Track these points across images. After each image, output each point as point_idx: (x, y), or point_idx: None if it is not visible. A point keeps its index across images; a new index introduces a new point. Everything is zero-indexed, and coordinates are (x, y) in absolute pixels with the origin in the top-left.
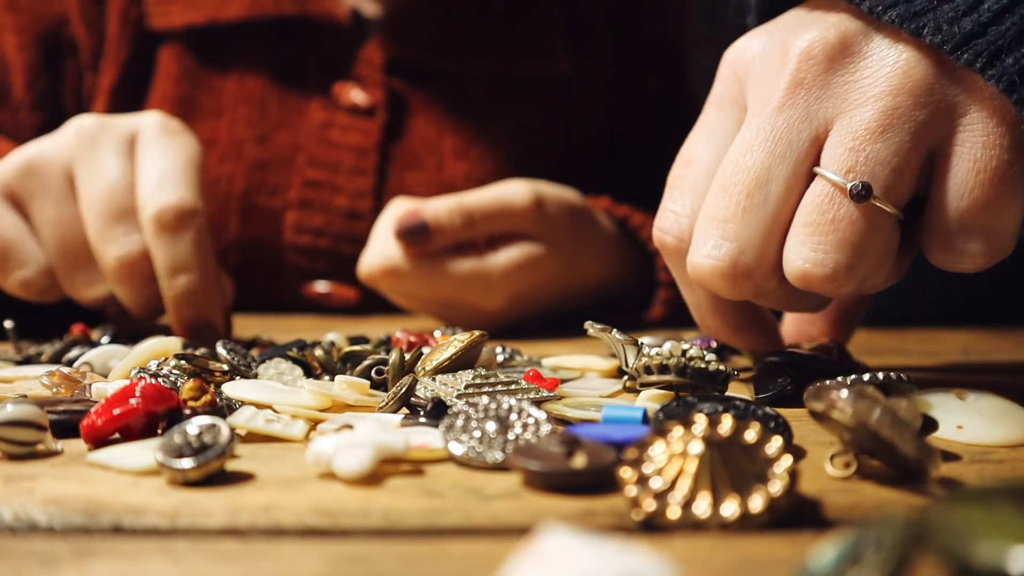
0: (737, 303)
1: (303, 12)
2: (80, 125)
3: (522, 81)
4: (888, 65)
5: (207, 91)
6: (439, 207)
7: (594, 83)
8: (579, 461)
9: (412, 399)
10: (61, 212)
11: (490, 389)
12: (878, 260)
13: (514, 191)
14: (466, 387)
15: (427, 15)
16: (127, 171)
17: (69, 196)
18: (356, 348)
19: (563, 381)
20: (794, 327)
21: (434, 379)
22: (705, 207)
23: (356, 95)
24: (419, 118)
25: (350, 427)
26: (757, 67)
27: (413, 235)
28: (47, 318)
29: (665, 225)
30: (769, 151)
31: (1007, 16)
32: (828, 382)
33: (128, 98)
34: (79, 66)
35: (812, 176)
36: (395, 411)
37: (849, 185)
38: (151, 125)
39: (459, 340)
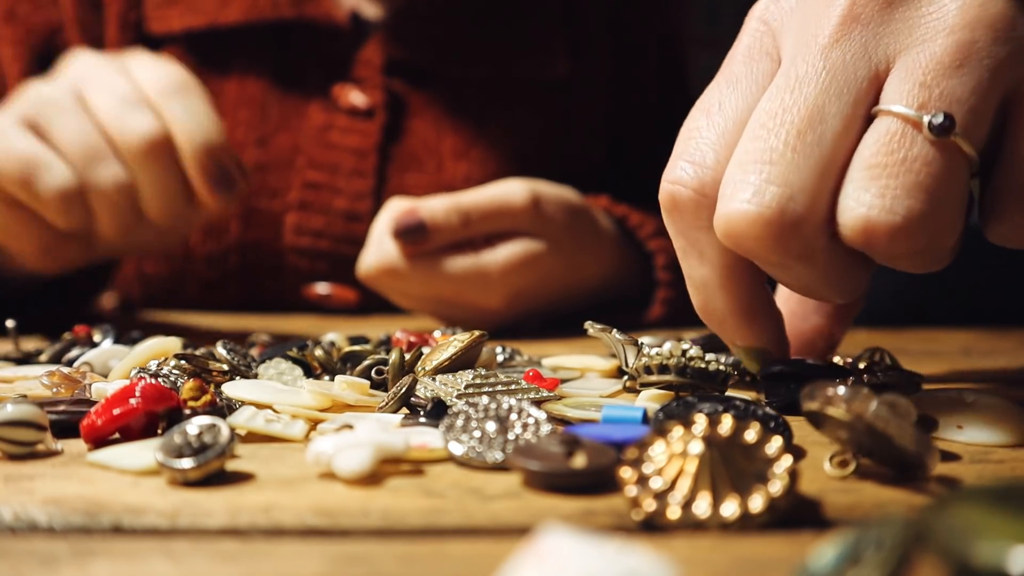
0: (753, 280)
1: (301, 15)
2: (79, 58)
3: (521, 82)
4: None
5: (207, 94)
6: (436, 206)
7: (594, 84)
8: (579, 461)
9: (412, 399)
10: (77, 122)
11: (490, 389)
12: (953, 214)
13: (511, 190)
14: (466, 387)
15: (427, 17)
16: (128, 78)
17: (81, 111)
18: (356, 348)
19: (563, 381)
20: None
21: (434, 379)
22: (739, 152)
23: (355, 97)
24: (418, 119)
25: (350, 427)
26: (798, 13)
27: (410, 234)
28: (49, 318)
29: (680, 176)
30: (823, 88)
31: None
32: (823, 382)
33: None
34: None
35: (870, 120)
36: (395, 411)
37: (927, 118)
38: (139, 53)
39: (459, 340)
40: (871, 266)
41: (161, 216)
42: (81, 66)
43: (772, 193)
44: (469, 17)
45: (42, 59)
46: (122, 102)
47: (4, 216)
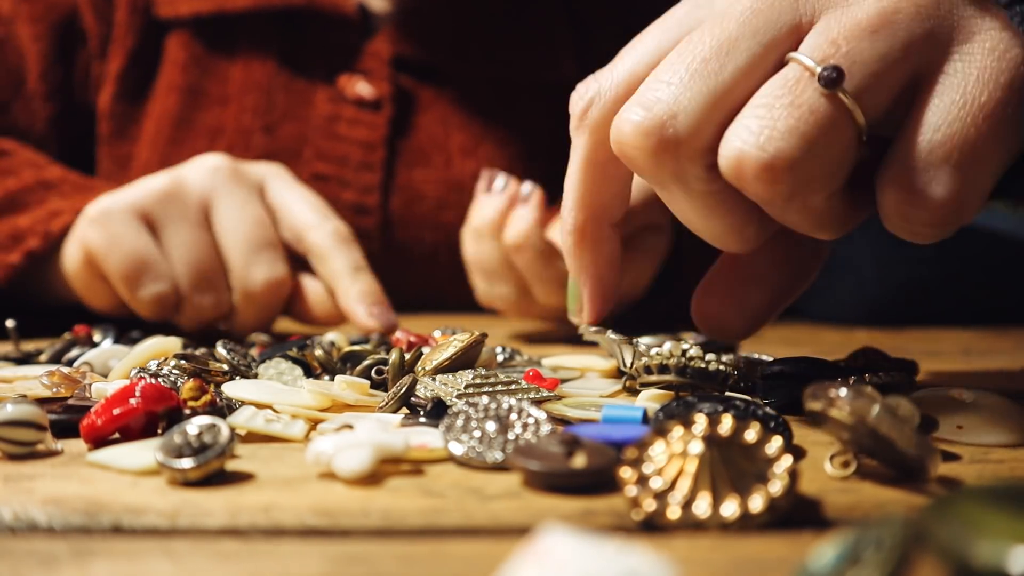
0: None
1: (310, 2)
2: (214, 163)
3: (528, 83)
4: None
5: (213, 78)
6: None
7: None
8: (579, 461)
9: (412, 399)
10: (195, 237)
11: (490, 389)
12: (825, 169)
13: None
14: (466, 387)
15: (433, 14)
16: (264, 210)
17: (203, 224)
18: (356, 348)
19: (563, 381)
20: (695, 302)
21: (434, 379)
22: (654, 71)
23: (362, 88)
24: (426, 114)
25: (350, 427)
26: None
27: None
28: (50, 318)
29: (589, 88)
30: (742, 23)
31: None
32: (825, 382)
33: (135, 85)
34: (88, 55)
35: (782, 65)
36: (395, 411)
37: (820, 68)
38: (277, 172)
39: (459, 340)
40: (755, 219)
41: (245, 328)
42: (214, 176)
43: (659, 108)
44: (476, 16)
45: (63, 41)
46: (253, 241)
47: (90, 283)
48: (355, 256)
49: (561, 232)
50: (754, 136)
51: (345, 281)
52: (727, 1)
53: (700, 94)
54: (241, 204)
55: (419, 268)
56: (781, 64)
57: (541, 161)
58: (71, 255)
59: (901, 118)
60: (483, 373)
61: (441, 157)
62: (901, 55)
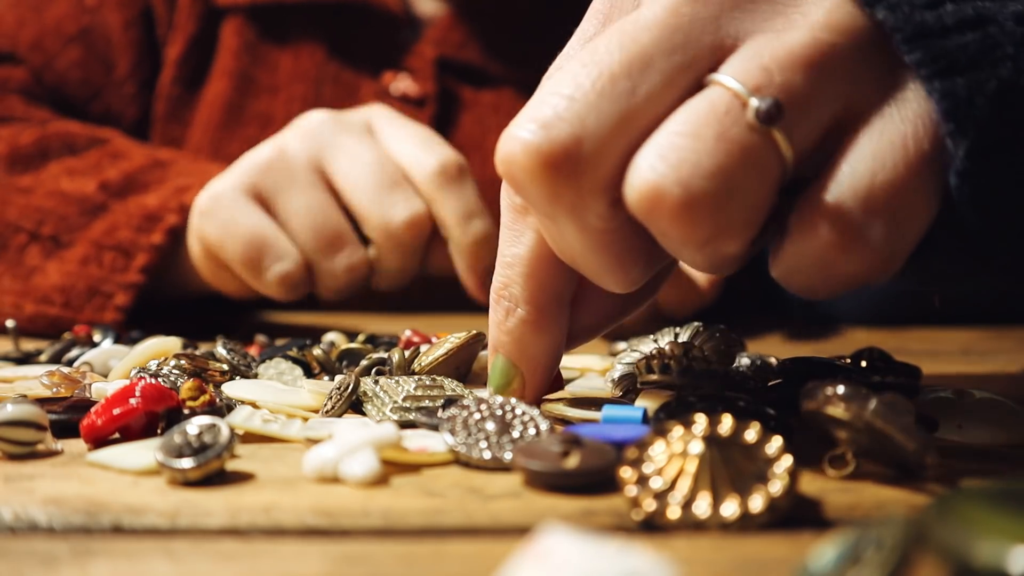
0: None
1: None
2: (314, 119)
3: None
4: (833, 5)
5: (264, 66)
6: None
7: None
8: (574, 461)
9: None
10: (312, 199)
11: (429, 403)
12: (746, 216)
13: None
14: (404, 398)
15: (480, 17)
16: (379, 148)
17: (318, 184)
18: (353, 346)
19: (564, 381)
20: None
21: (376, 383)
22: (550, 81)
23: (407, 85)
24: (467, 114)
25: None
26: None
27: None
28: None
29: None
30: (659, 39)
31: (969, 31)
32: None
33: (192, 71)
34: (158, 40)
35: (698, 89)
36: (340, 414)
37: (756, 101)
38: (380, 112)
39: (455, 337)
40: (644, 257)
41: (389, 286)
42: (318, 132)
43: (560, 129)
44: (519, 19)
45: (146, 27)
46: (379, 183)
47: (216, 273)
48: (464, 199)
49: (496, 309)
50: (674, 170)
51: (456, 233)
52: (646, 1)
53: (608, 116)
54: (356, 150)
55: (441, 269)
56: (698, 86)
57: None
58: (193, 247)
59: (819, 161)
60: (426, 382)
61: (478, 156)
62: (834, 94)
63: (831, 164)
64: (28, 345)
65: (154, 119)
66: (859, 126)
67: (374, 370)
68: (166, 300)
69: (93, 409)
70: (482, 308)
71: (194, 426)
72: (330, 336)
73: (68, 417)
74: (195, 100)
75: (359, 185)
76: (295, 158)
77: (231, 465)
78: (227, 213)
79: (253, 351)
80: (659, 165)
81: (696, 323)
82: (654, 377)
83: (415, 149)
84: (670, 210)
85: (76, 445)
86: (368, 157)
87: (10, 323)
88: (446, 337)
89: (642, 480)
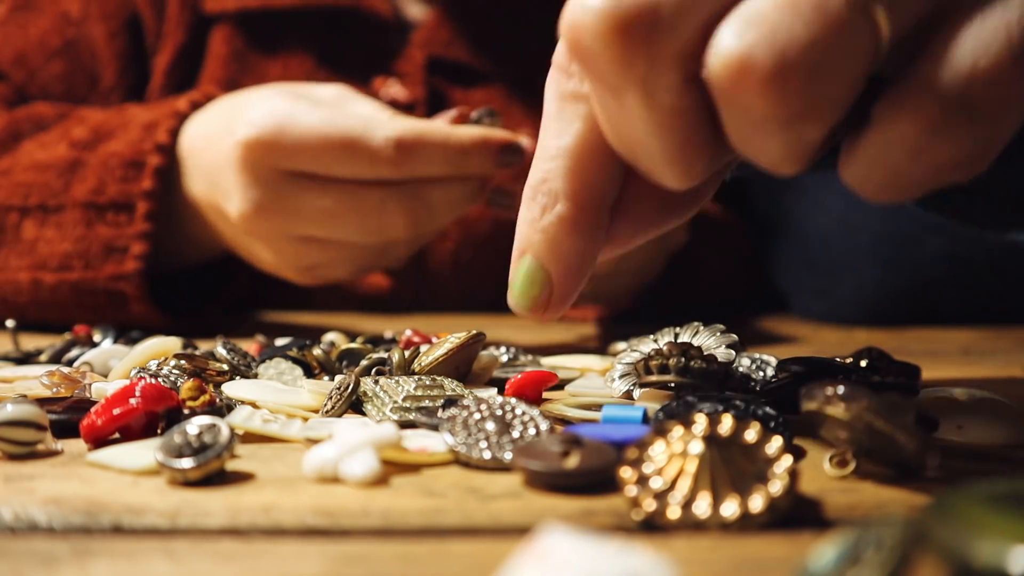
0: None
1: (356, 3)
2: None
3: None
4: None
5: (252, 74)
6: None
7: None
8: (574, 461)
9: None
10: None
11: (429, 403)
12: (837, 95)
13: None
14: (404, 398)
15: (468, 17)
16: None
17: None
18: (353, 346)
19: (564, 381)
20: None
21: (376, 383)
22: None
23: (396, 90)
24: None
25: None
26: None
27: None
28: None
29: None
30: None
31: None
32: (821, 381)
33: (180, 79)
34: (146, 49)
35: None
36: (340, 414)
37: None
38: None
39: (455, 337)
40: (710, 149)
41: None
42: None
43: None
44: (506, 17)
45: (134, 37)
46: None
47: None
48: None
49: (531, 205)
50: (766, 39)
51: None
52: None
53: None
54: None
55: (443, 266)
56: None
57: None
58: (194, 188)
59: (902, 59)
60: (426, 382)
61: None
62: None
63: (928, 48)
64: (28, 345)
65: None
66: (958, 16)
67: (374, 370)
68: (180, 265)
69: (93, 409)
70: (482, 308)
71: (194, 426)
72: (330, 336)
73: (68, 417)
74: None
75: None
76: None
77: (231, 465)
78: (308, 112)
79: (253, 351)
80: (749, 33)
81: (696, 323)
82: (654, 377)
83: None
84: (760, 80)
85: (76, 445)
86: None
87: (10, 323)
88: (446, 337)
89: (642, 480)
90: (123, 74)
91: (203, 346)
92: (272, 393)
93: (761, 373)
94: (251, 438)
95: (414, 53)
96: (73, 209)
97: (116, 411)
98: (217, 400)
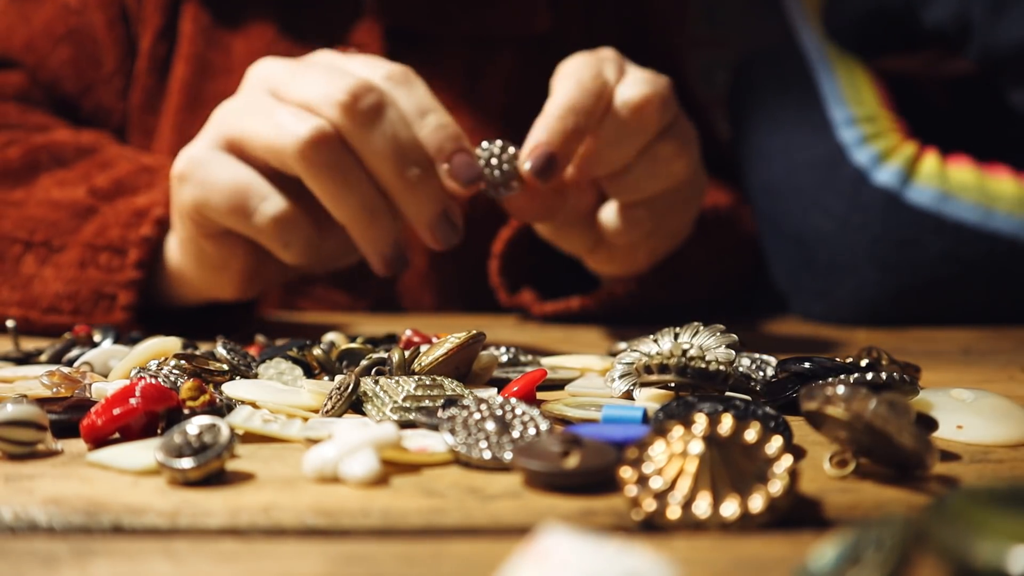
0: None
1: None
2: (268, 62)
3: (505, 38)
4: None
5: (218, 49)
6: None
7: (572, 38)
8: (574, 461)
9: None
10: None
11: (429, 403)
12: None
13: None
14: (404, 398)
15: None
16: (332, 69)
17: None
18: (353, 346)
19: (564, 381)
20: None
21: (376, 383)
22: None
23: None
24: None
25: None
26: None
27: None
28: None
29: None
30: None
31: None
32: (821, 382)
33: (160, 61)
34: (135, 35)
35: None
36: (340, 414)
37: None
38: (333, 52)
39: (455, 337)
40: None
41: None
42: (271, 68)
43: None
44: None
45: (127, 23)
46: (325, 88)
47: (211, 248)
48: (415, 96)
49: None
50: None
51: (416, 125)
52: None
53: None
54: (310, 75)
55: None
56: None
57: (523, 116)
58: (171, 250)
59: None
60: (426, 382)
61: None
62: None
63: None
64: (28, 345)
65: (131, 111)
66: None
67: (374, 370)
68: (169, 307)
69: (93, 409)
70: (482, 308)
71: (194, 426)
72: (330, 336)
73: (68, 417)
74: (164, 89)
75: (314, 96)
76: (254, 96)
77: (231, 465)
78: (204, 169)
79: (253, 351)
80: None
81: (696, 323)
82: (654, 377)
83: (364, 67)
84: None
85: (76, 445)
86: (328, 86)
87: (10, 323)
88: (446, 337)
89: (642, 480)
90: (123, 60)
91: (203, 346)
92: (272, 393)
93: (761, 373)
94: (251, 438)
95: (372, 24)
96: (73, 248)
97: (116, 411)
98: (217, 400)
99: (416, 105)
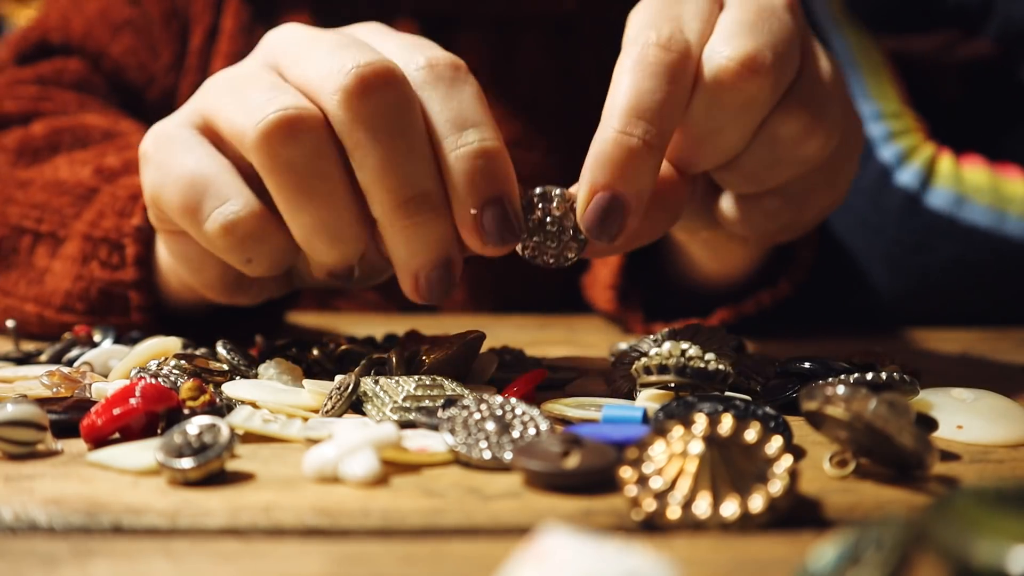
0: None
1: None
2: (284, 29)
3: (533, 19)
4: None
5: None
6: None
7: (600, 19)
8: (574, 461)
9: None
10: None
11: (429, 403)
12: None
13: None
14: (404, 398)
15: None
16: (354, 51)
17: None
18: (353, 346)
19: (564, 381)
20: None
21: (376, 383)
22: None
23: None
24: None
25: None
26: None
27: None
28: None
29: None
30: None
31: None
32: (821, 382)
33: (206, 57)
34: (187, 34)
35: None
36: (340, 414)
37: None
38: (371, 25)
39: (455, 337)
40: None
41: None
42: (287, 36)
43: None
44: None
45: (180, 21)
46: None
47: (174, 246)
48: (458, 100)
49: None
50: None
51: (446, 144)
52: None
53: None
54: (321, 56)
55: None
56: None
57: (545, 102)
58: (159, 247)
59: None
60: (426, 382)
61: None
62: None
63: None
64: (28, 345)
65: (177, 108)
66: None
67: (374, 370)
68: (185, 307)
69: (93, 409)
70: (514, 307)
71: (194, 426)
72: (329, 336)
73: (68, 417)
74: None
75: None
76: (253, 68)
77: (231, 465)
78: (167, 150)
79: (253, 351)
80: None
81: (696, 323)
82: (653, 378)
83: (401, 50)
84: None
85: (76, 445)
86: (334, 63)
87: (10, 323)
88: (446, 337)
89: (642, 480)
90: (177, 56)
91: (202, 347)
92: (272, 393)
93: (760, 373)
94: (251, 438)
95: (407, 17)
96: (74, 240)
97: (116, 411)
98: (217, 400)
99: (455, 113)
